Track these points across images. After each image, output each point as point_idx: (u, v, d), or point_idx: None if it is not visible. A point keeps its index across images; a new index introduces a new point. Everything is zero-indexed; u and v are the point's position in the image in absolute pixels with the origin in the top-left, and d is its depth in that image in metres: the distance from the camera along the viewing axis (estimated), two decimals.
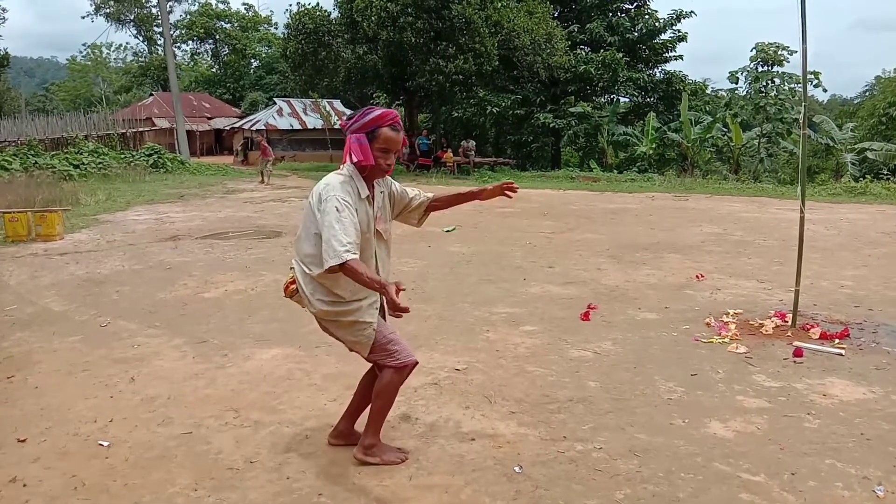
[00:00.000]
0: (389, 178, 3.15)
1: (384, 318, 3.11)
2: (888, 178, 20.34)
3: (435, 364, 4.44)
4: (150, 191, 16.71)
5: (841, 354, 4.61)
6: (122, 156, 22.51)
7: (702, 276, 7.00)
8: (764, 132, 24.52)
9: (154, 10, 49.94)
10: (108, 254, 8.52)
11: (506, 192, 3.19)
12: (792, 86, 24.41)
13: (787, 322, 5.28)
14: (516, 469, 3.08)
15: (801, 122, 5.15)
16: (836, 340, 4.87)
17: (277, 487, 2.96)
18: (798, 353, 4.59)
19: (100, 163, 20.57)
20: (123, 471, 3.10)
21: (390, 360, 2.97)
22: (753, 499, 2.83)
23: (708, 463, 3.14)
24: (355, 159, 2.86)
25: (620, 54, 26.25)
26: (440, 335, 5.06)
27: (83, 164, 20.01)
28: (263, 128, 32.61)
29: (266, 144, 21.24)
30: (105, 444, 3.35)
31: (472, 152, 24.15)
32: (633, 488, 2.92)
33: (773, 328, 5.14)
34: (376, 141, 2.85)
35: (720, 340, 4.90)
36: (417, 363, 3.06)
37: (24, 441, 3.39)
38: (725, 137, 24.84)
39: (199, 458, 3.22)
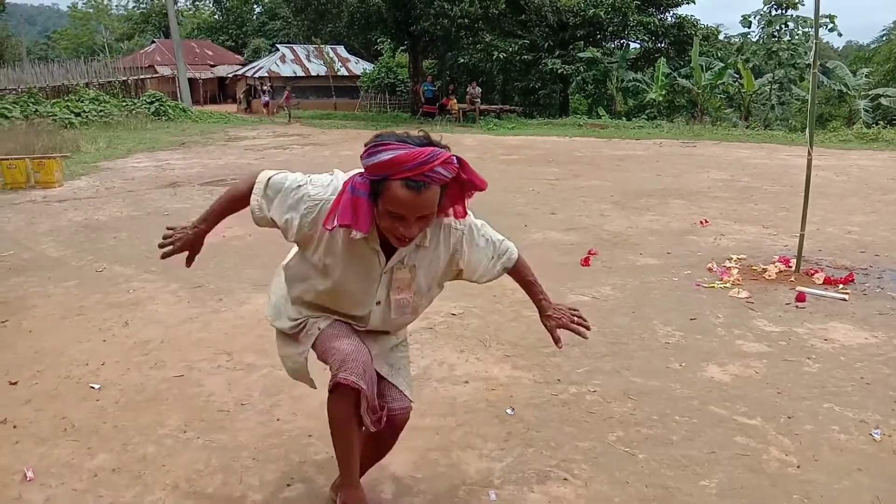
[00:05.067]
0: (467, 227, 2.07)
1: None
2: None
3: (431, 309, 4.32)
4: (151, 138, 16.55)
5: (844, 300, 4.53)
6: (124, 103, 22.23)
7: (706, 222, 6.90)
8: (776, 78, 23.98)
9: None
10: (107, 200, 8.45)
11: (577, 326, 2.20)
12: (806, 30, 23.77)
13: (790, 267, 5.19)
14: (508, 411, 3.05)
15: (812, 60, 4.97)
16: (841, 286, 4.79)
17: (267, 429, 2.94)
18: (801, 298, 4.51)
19: (101, 110, 20.33)
20: (114, 413, 3.08)
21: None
22: (748, 442, 2.80)
23: (703, 406, 3.10)
24: (335, 222, 1.85)
25: None
26: None
27: (84, 111, 19.77)
28: (266, 75, 32.15)
29: (289, 92, 28.37)
30: (96, 386, 3.33)
31: (478, 99, 23.74)
32: (626, 431, 2.88)
33: (776, 273, 5.06)
34: (382, 199, 1.79)
35: (722, 285, 4.83)
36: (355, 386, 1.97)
37: (15, 383, 3.38)
38: (737, 84, 24.32)
39: (189, 401, 3.20)
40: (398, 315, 2.09)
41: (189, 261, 2.26)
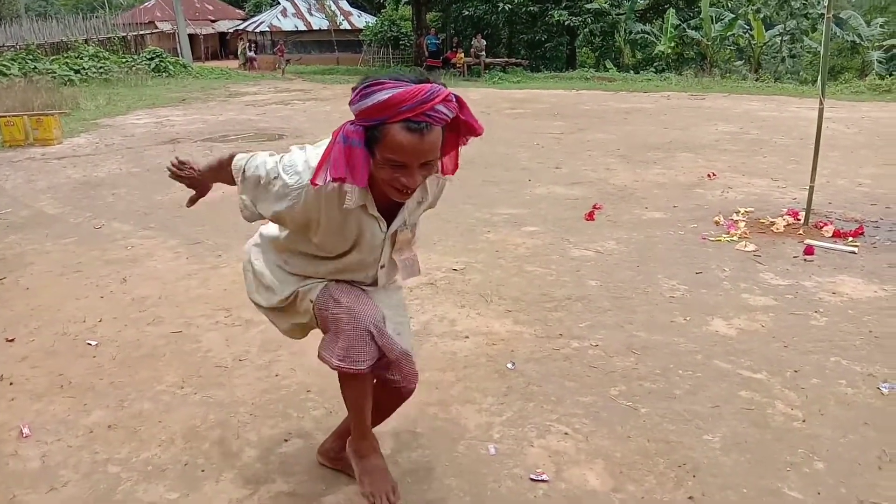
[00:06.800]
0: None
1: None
2: None
3: (432, 264, 4.33)
4: (152, 95, 16.36)
5: (854, 252, 4.45)
6: (124, 60, 21.96)
7: (713, 175, 6.77)
8: (787, 29, 23.42)
9: None
10: (106, 157, 8.36)
11: None
12: None
13: (799, 220, 5.09)
14: (509, 366, 3.00)
15: (826, 6, 4.77)
16: (850, 238, 4.70)
17: (265, 384, 2.91)
18: (809, 251, 4.43)
19: (101, 67, 20.08)
20: (110, 369, 3.05)
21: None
22: (753, 396, 2.75)
23: (708, 360, 3.05)
24: (328, 176, 1.63)
25: None
26: (439, 236, 4.93)
27: (83, 68, 19.54)
28: (267, 29, 31.69)
29: (281, 45, 29.12)
30: (93, 343, 3.30)
31: (483, 52, 23.29)
32: (629, 385, 2.84)
33: (784, 226, 4.96)
34: (381, 146, 1.60)
35: (728, 239, 4.74)
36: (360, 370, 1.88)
37: (12, 340, 3.35)
38: (747, 36, 23.77)
39: (187, 357, 3.17)
40: (407, 274, 1.99)
41: (190, 201, 2.22)
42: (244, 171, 1.86)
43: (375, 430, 2.30)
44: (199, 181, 2.13)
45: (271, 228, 2.05)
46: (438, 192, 1.96)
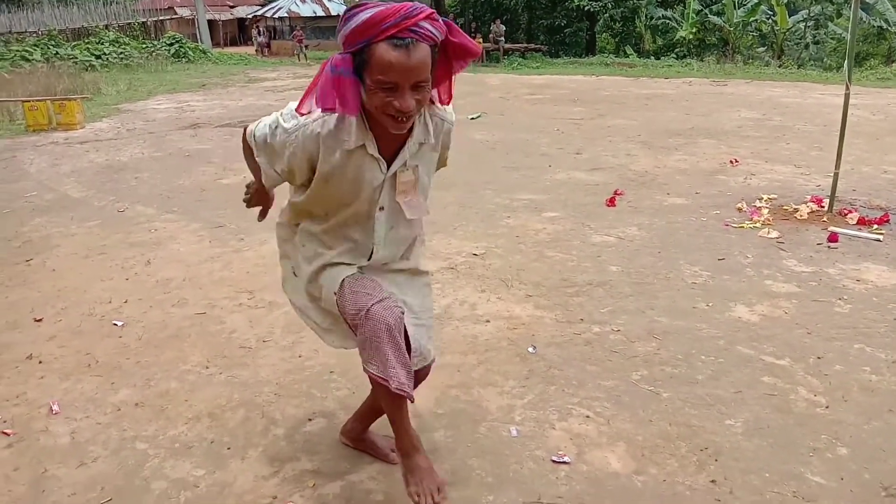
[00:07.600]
0: (453, 120, 1.90)
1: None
2: None
3: (453, 249, 4.34)
4: (172, 80, 16.46)
5: (879, 240, 4.39)
6: (144, 45, 22.11)
7: (736, 162, 6.70)
8: (811, 15, 23.04)
9: None
10: (129, 142, 8.44)
11: None
12: None
13: (823, 207, 5.04)
14: (530, 350, 3.01)
15: None
16: (875, 226, 4.64)
17: (289, 365, 2.94)
18: (833, 238, 4.38)
19: (121, 53, 20.26)
20: (136, 349, 3.10)
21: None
22: (776, 382, 2.74)
23: (730, 346, 3.04)
24: (315, 106, 1.65)
25: None
26: (459, 221, 4.94)
27: (104, 54, 19.73)
28: (286, 15, 31.72)
29: (300, 34, 28.03)
30: (119, 323, 3.36)
31: (502, 38, 23.15)
32: (651, 370, 2.84)
33: (808, 213, 4.91)
34: (369, 69, 1.58)
35: (751, 226, 4.70)
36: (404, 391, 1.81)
37: (40, 321, 3.41)
38: (770, 21, 23.41)
39: (212, 338, 3.21)
40: (413, 214, 1.91)
41: (261, 215, 2.18)
42: (254, 135, 1.86)
43: (377, 423, 2.30)
44: (260, 191, 2.08)
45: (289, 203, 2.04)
46: (445, 137, 1.91)
